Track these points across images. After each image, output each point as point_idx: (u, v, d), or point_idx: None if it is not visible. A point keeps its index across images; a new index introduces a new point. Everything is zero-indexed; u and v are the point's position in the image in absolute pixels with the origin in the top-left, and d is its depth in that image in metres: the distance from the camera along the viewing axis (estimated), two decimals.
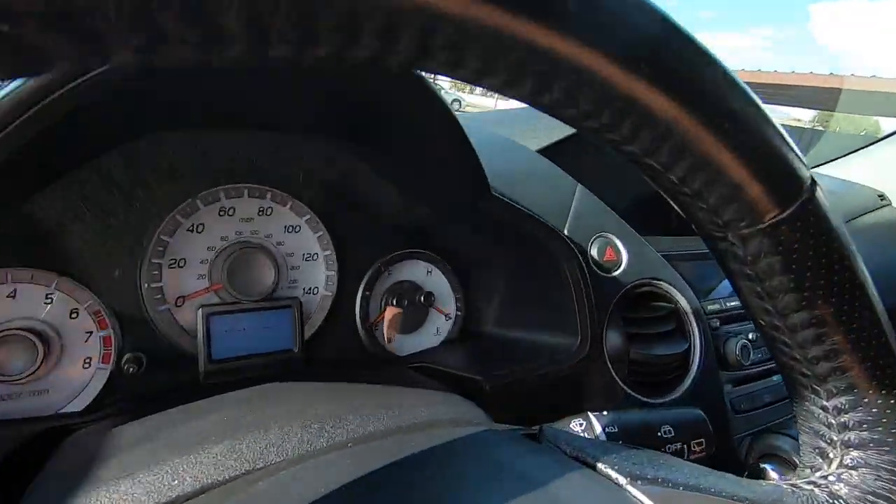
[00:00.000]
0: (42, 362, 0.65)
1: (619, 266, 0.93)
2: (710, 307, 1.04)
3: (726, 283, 1.19)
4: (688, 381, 0.93)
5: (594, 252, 0.91)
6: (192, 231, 0.78)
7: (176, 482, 0.40)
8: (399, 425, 0.49)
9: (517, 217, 0.77)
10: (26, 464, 0.52)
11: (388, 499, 0.32)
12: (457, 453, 0.38)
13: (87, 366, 0.70)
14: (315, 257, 0.88)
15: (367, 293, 0.92)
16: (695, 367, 0.94)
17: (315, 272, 0.88)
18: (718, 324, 1.03)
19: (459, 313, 1.01)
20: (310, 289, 0.87)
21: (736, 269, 0.34)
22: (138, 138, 0.67)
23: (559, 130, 1.09)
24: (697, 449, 0.56)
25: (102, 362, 0.71)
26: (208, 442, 0.44)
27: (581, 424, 0.59)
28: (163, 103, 0.61)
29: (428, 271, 1.00)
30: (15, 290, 0.66)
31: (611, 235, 0.94)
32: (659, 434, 0.57)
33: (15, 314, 0.66)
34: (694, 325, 0.97)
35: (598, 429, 0.58)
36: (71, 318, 0.69)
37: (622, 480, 0.38)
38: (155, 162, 0.71)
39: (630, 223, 0.99)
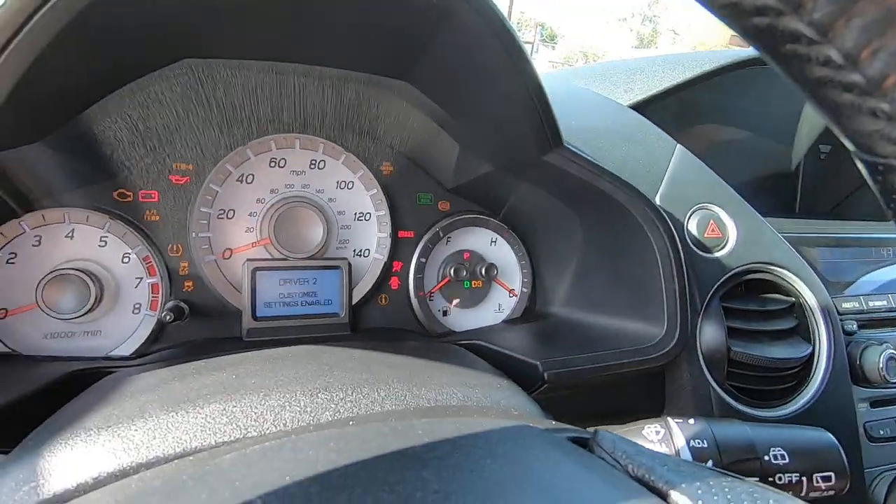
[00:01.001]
0: (95, 304, 0.66)
1: (724, 245, 0.76)
2: (845, 305, 0.83)
3: (869, 278, 0.95)
4: (807, 394, 0.74)
5: (692, 226, 0.75)
6: (241, 181, 0.75)
7: (156, 441, 0.35)
8: (420, 406, 0.41)
9: (592, 175, 0.63)
10: (58, 400, 0.51)
11: (361, 499, 0.24)
12: (474, 448, 0.29)
13: (136, 311, 0.70)
14: (367, 217, 0.81)
15: (423, 260, 0.84)
16: (818, 378, 0.75)
17: (367, 233, 0.81)
18: (855, 327, 0.82)
19: (525, 290, 0.90)
20: (361, 251, 0.81)
21: None
22: (191, 80, 0.64)
23: (657, 82, 0.92)
24: (822, 485, 0.41)
25: (150, 309, 0.70)
26: (202, 401, 0.39)
27: (658, 433, 0.47)
28: (212, 33, 0.57)
29: (492, 241, 0.90)
30: (73, 231, 0.67)
31: (715, 208, 0.77)
32: (766, 458, 0.43)
33: (72, 255, 0.67)
34: (821, 324, 0.77)
35: (680, 440, 0.45)
36: (123, 262, 0.69)
37: None
38: (206, 106, 0.68)
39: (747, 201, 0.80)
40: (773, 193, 1.23)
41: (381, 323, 0.83)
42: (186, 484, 0.27)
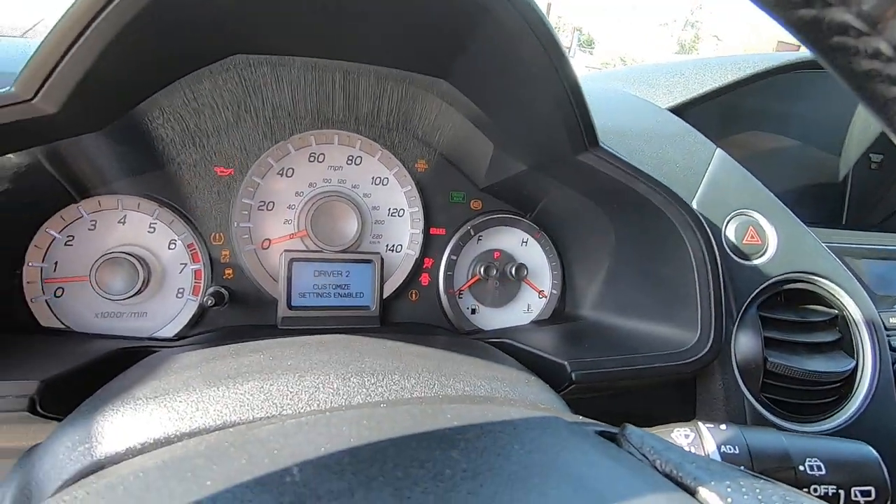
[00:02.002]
0: (143, 287, 0.69)
1: (764, 252, 0.74)
2: (894, 321, 0.79)
3: None
4: (848, 410, 0.71)
5: (730, 232, 0.73)
6: (281, 175, 0.77)
7: (198, 413, 0.37)
8: (448, 394, 0.42)
9: (627, 177, 0.63)
10: (106, 375, 0.54)
11: (397, 480, 0.25)
12: (501, 434, 0.29)
13: (179, 296, 0.73)
14: (401, 213, 0.83)
15: (454, 258, 0.85)
16: (861, 394, 0.72)
17: (400, 229, 0.83)
18: None
19: (555, 291, 0.90)
20: (393, 246, 0.83)
21: None
22: (237, 77, 0.67)
23: (698, 85, 0.90)
24: (861, 499, 0.39)
25: (192, 294, 0.73)
26: (241, 379, 0.41)
27: (687, 436, 0.46)
28: (262, 29, 0.59)
29: (523, 241, 0.90)
30: (125, 217, 0.71)
31: (755, 214, 0.75)
32: (802, 468, 0.41)
33: (123, 239, 0.71)
34: (866, 339, 0.74)
35: (710, 445, 0.44)
36: (169, 248, 0.73)
37: None
38: (249, 102, 0.71)
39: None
40: (818, 203, 1.18)
41: (411, 318, 0.84)
42: (228, 450, 0.28)
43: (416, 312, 0.84)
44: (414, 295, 0.84)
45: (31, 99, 0.48)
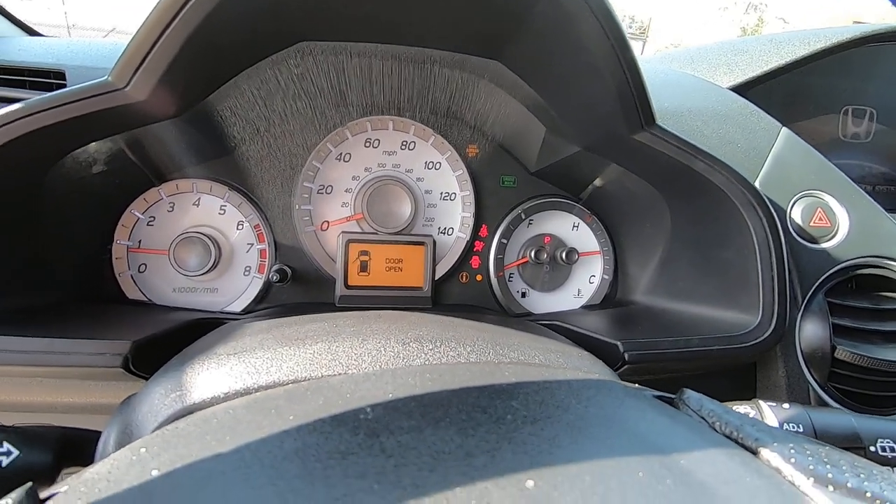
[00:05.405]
0: (215, 265, 0.75)
1: (833, 235, 0.70)
2: None
3: None
4: None
5: (796, 214, 0.70)
6: (339, 160, 0.81)
7: (273, 368, 0.41)
8: (505, 360, 0.43)
9: (686, 156, 0.62)
10: (184, 342, 0.59)
11: (471, 426, 0.26)
12: (559, 390, 0.31)
13: (246, 273, 0.78)
14: (453, 197, 0.85)
15: (504, 241, 0.86)
16: None
17: (451, 212, 0.85)
18: None
19: (606, 277, 0.89)
20: (445, 229, 0.85)
21: None
22: (298, 65, 0.71)
23: (762, 63, 0.86)
24: None
25: (258, 272, 0.78)
26: (310, 341, 0.44)
27: (748, 413, 0.45)
28: (327, 15, 0.62)
29: (574, 225, 0.90)
30: (199, 199, 0.77)
31: (824, 195, 0.72)
32: (872, 449, 0.40)
33: (197, 220, 0.77)
34: None
35: (773, 422, 0.43)
36: (237, 229, 0.78)
37: (801, 480, 0.26)
38: (310, 89, 0.75)
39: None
40: None
41: (461, 300, 0.86)
42: (305, 394, 0.31)
43: (466, 294, 0.86)
44: (465, 277, 0.86)
45: (125, 87, 0.53)
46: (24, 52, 0.80)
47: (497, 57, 0.68)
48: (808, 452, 0.28)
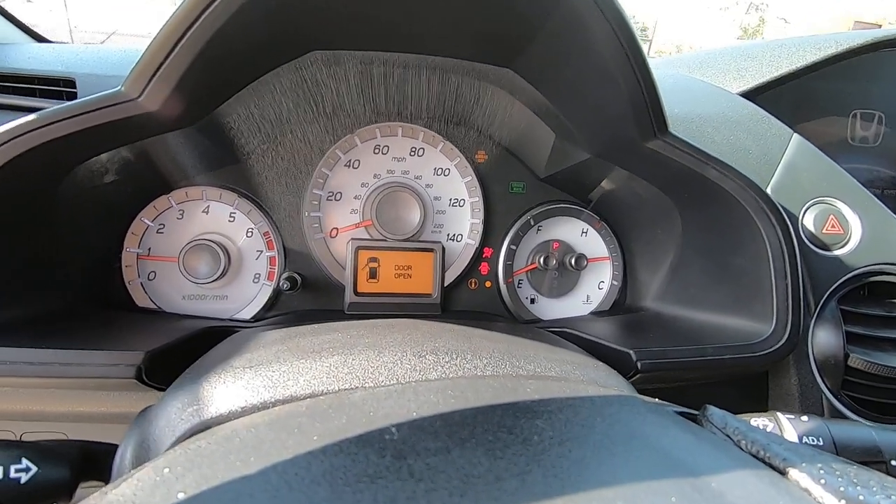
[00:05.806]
0: (224, 272, 0.75)
1: (846, 242, 0.70)
2: None
3: None
4: None
5: (809, 221, 0.70)
6: (349, 166, 0.81)
7: (290, 382, 0.41)
8: (522, 373, 0.43)
9: (698, 163, 0.61)
10: (196, 351, 0.59)
11: (490, 441, 0.26)
12: (582, 408, 0.30)
13: (255, 281, 0.78)
14: (462, 203, 0.84)
15: (513, 247, 0.86)
16: None
17: (460, 218, 0.85)
18: None
19: (616, 283, 0.89)
20: (454, 235, 0.85)
21: None
22: (308, 73, 0.70)
23: (772, 68, 0.86)
24: None
25: (268, 279, 0.78)
26: (326, 353, 0.44)
27: (765, 426, 0.45)
28: (341, 24, 0.62)
29: (583, 231, 0.89)
30: (208, 207, 0.77)
31: (836, 202, 0.71)
32: (894, 463, 0.40)
33: (207, 227, 0.77)
34: None
35: (791, 436, 0.43)
36: (247, 236, 0.78)
37: (832, 502, 0.26)
38: (317, 96, 0.74)
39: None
40: None
41: (470, 306, 0.85)
42: (327, 412, 0.31)
43: (475, 300, 0.86)
44: (473, 283, 0.86)
45: (138, 97, 0.53)
46: (34, 59, 0.80)
47: (508, 64, 0.68)
48: (837, 473, 0.28)
